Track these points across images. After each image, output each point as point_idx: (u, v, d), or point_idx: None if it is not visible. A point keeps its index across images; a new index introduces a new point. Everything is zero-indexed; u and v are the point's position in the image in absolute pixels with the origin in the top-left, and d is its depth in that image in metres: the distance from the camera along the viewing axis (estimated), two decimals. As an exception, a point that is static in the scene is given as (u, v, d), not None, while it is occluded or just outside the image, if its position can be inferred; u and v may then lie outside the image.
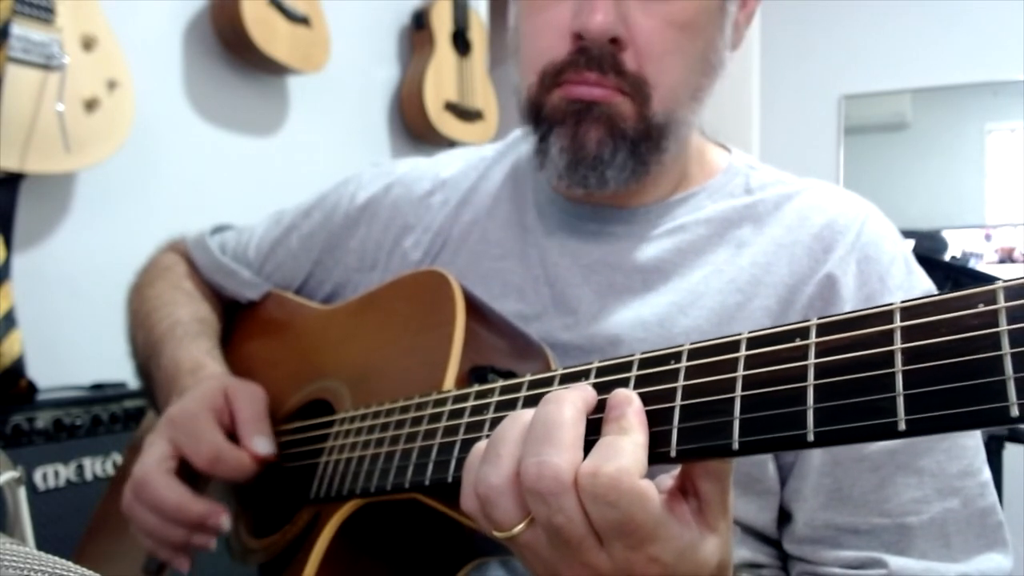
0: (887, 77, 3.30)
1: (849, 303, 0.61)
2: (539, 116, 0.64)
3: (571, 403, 0.38)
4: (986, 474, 0.59)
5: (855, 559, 0.58)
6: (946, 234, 3.25)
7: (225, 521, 0.59)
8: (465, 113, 2.20)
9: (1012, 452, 1.93)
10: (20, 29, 1.17)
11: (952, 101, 3.25)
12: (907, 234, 0.69)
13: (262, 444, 0.61)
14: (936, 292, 0.64)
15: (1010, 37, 3.04)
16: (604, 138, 0.61)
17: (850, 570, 0.58)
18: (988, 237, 3.21)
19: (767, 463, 0.61)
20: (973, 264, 3.20)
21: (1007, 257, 3.19)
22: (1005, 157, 3.21)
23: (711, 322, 0.63)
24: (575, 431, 0.37)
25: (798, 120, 3.40)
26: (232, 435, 0.62)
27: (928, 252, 3.05)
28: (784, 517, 0.63)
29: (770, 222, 0.67)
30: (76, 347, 1.37)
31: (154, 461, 0.60)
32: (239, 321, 0.87)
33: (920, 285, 0.63)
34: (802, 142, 3.40)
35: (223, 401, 0.64)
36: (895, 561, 0.56)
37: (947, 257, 3.20)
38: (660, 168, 0.65)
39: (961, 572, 0.56)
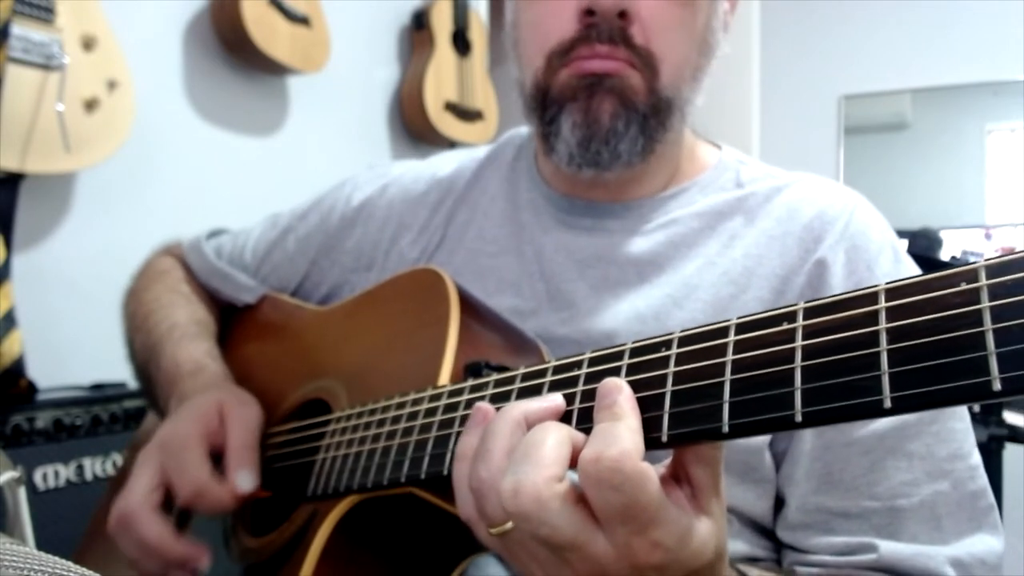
0: (887, 77, 3.30)
1: (837, 291, 0.62)
2: (546, 99, 0.64)
3: (556, 428, 0.39)
4: (976, 458, 0.60)
5: (845, 545, 0.58)
6: (945, 234, 3.25)
7: (204, 564, 0.59)
8: (465, 113, 2.20)
9: (1012, 452, 1.92)
10: (20, 29, 1.17)
11: (952, 101, 3.25)
12: (905, 234, 0.69)
13: (245, 480, 0.61)
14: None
15: (1010, 37, 3.04)
16: (617, 110, 0.62)
17: (840, 556, 0.58)
18: (988, 237, 3.21)
19: (763, 451, 0.62)
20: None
21: (1007, 257, 3.19)
22: (1005, 157, 3.21)
23: (706, 314, 0.63)
24: (557, 452, 0.38)
25: (798, 120, 3.40)
26: (222, 455, 0.62)
27: (924, 251, 3.04)
28: (778, 504, 0.63)
29: (761, 215, 0.67)
30: (76, 347, 1.38)
31: (140, 494, 0.60)
32: (236, 324, 0.87)
33: (907, 274, 0.64)
34: (802, 142, 3.39)
35: (216, 422, 0.63)
36: (885, 545, 0.56)
37: (942, 255, 3.20)
38: (662, 150, 0.66)
39: (951, 554, 0.56)
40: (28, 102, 1.21)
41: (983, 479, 0.59)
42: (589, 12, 0.61)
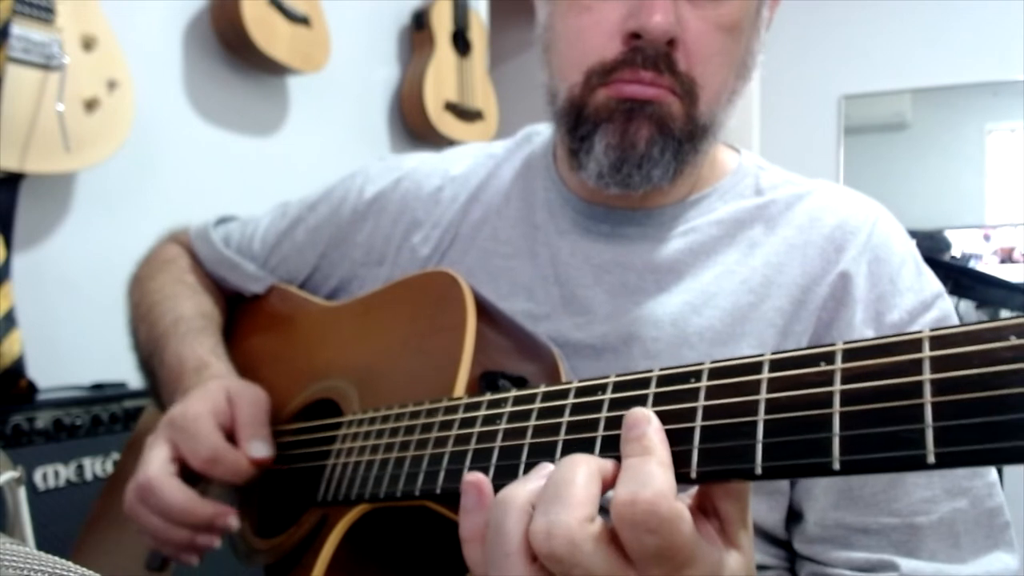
0: (887, 77, 3.30)
1: (860, 304, 0.62)
2: (580, 116, 0.63)
3: (586, 462, 0.37)
4: (993, 475, 0.59)
5: (865, 561, 0.58)
6: (947, 234, 3.25)
7: (233, 521, 0.59)
8: (465, 113, 2.20)
9: (1012, 452, 1.92)
10: (20, 29, 1.17)
11: (952, 101, 3.25)
12: (912, 235, 0.69)
13: (259, 448, 0.61)
14: (943, 293, 0.65)
15: (1010, 37, 3.04)
16: (654, 136, 0.61)
17: (860, 572, 0.58)
18: (987, 237, 3.21)
19: None
20: (973, 264, 3.20)
21: (1007, 257, 3.19)
22: (1005, 157, 3.21)
23: (724, 322, 0.63)
24: (588, 490, 0.36)
25: (798, 120, 3.40)
26: (232, 437, 0.62)
27: (929, 252, 3.04)
28: (794, 517, 0.63)
29: (781, 223, 0.67)
30: (76, 347, 1.37)
31: (158, 464, 0.60)
32: (242, 314, 0.86)
33: (929, 287, 0.64)
34: (802, 142, 3.40)
35: (225, 403, 0.63)
36: (906, 564, 0.56)
37: (949, 257, 3.20)
38: (690, 170, 0.65)
39: (970, 574, 0.56)
40: (28, 102, 1.20)
41: (1000, 496, 0.59)
42: (636, 35, 0.59)
